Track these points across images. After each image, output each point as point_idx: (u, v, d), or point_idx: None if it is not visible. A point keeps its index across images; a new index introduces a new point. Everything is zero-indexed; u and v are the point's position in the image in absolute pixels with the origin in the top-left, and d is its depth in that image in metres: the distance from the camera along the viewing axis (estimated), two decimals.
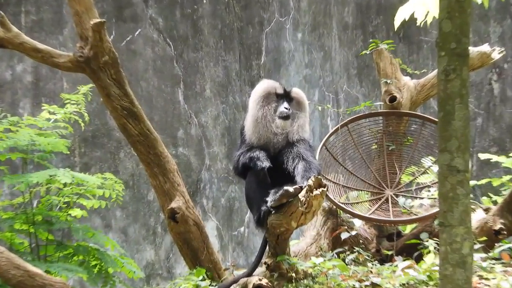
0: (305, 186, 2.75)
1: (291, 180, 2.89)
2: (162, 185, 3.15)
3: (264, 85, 3.08)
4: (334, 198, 3.70)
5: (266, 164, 2.87)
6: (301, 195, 2.76)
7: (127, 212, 4.52)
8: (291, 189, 2.76)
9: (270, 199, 2.84)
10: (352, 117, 4.07)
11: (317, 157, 3.68)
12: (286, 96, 3.03)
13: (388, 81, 4.13)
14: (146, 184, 4.55)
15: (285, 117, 2.97)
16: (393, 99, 4.11)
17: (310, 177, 2.77)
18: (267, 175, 2.86)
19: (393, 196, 3.86)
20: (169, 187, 3.15)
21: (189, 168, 4.86)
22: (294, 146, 2.97)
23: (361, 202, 3.86)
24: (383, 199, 3.85)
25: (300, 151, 2.95)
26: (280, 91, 3.05)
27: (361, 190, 3.93)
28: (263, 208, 2.90)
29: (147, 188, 4.57)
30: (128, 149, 4.47)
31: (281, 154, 2.98)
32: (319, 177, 2.74)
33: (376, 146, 4.08)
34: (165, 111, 4.81)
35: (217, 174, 5.10)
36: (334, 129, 4.03)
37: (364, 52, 4.31)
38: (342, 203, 3.71)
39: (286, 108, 2.98)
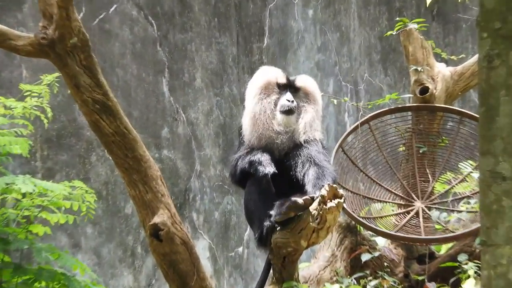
0: (317, 197, 2.76)
1: (300, 189, 2.90)
2: (143, 196, 3.15)
3: (263, 73, 3.08)
4: (353, 212, 3.71)
5: (269, 169, 2.87)
6: (313, 208, 2.77)
7: (100, 228, 4.52)
8: (300, 200, 2.77)
9: (274, 213, 2.85)
10: (375, 113, 4.08)
11: (332, 161, 3.69)
12: (289, 86, 3.03)
13: (419, 69, 4.14)
14: (123, 194, 4.55)
15: (288, 112, 2.98)
16: (424, 90, 4.12)
17: (323, 185, 2.78)
18: (271, 183, 2.87)
19: (425, 209, 3.86)
20: (151, 198, 3.15)
21: (175, 174, 4.87)
22: (303, 147, 2.98)
23: (385, 216, 3.86)
24: (412, 213, 3.86)
25: (311, 154, 2.96)
26: (282, 80, 3.05)
27: (386, 202, 3.94)
28: (266, 223, 2.91)
29: (124, 199, 4.57)
30: (101, 152, 4.48)
31: (288, 157, 2.99)
32: (334, 185, 2.75)
33: (404, 148, 4.09)
34: (147, 105, 4.81)
35: (210, 182, 5.11)
36: (352, 127, 4.04)
37: (389, 33, 4.32)
38: (362, 218, 3.72)
39: (289, 100, 2.98)
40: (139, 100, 4.79)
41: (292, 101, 2.99)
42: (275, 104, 3.01)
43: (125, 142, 3.09)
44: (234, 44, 5.45)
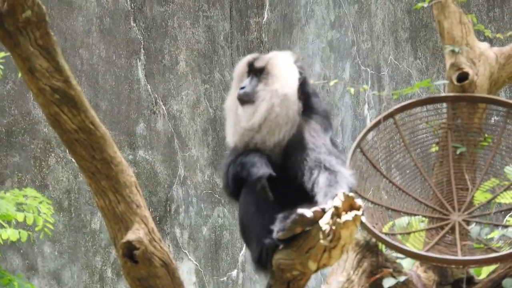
0: (329, 209, 2.77)
1: (308, 199, 2.91)
2: (114, 207, 3.16)
3: (240, 62, 3.15)
4: (374, 227, 3.72)
5: (264, 171, 2.90)
6: (324, 222, 2.78)
7: (61, 247, 4.54)
8: (308, 212, 2.78)
9: (277, 228, 2.87)
10: (402, 105, 4.09)
11: (347, 164, 3.70)
12: (250, 70, 3.09)
13: (456, 50, 4.14)
14: (89, 205, 4.57)
15: (240, 101, 3.04)
16: (463, 76, 4.13)
17: (337, 194, 2.79)
18: (267, 189, 2.89)
19: (463, 223, 3.87)
20: (124, 210, 3.16)
21: (154, 181, 4.89)
22: (308, 147, 3.00)
23: (414, 232, 3.88)
24: (447, 228, 3.86)
25: (321, 156, 2.98)
26: (246, 68, 3.11)
27: (415, 215, 3.95)
28: (267, 241, 2.92)
29: (90, 211, 4.58)
30: (62, 153, 4.49)
31: (291, 160, 3.01)
32: (350, 194, 2.77)
33: (437, 148, 4.10)
34: (118, 95, 4.83)
35: (197, 191, 5.13)
36: (373, 122, 4.05)
37: (420, 5, 4.33)
38: (385, 234, 3.73)
39: (242, 87, 3.05)
40: (108, 88, 4.80)
41: (243, 87, 3.05)
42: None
43: (91, 140, 3.10)
44: (227, 19, 5.46)
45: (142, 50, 5.03)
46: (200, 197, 5.16)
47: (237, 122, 3.05)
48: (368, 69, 6.10)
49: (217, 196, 5.21)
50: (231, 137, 3.08)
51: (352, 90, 4.97)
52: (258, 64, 3.07)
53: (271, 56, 3.11)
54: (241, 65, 3.13)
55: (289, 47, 5.69)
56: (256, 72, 3.07)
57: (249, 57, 3.12)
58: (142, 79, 5.04)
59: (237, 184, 3.02)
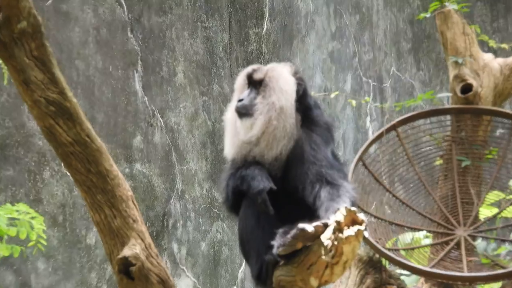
0: (331, 223, 2.77)
1: (309, 214, 2.91)
2: (110, 222, 3.16)
3: (240, 74, 3.17)
4: (377, 242, 3.71)
5: (265, 184, 2.90)
6: (326, 237, 2.77)
7: (55, 263, 4.52)
8: (309, 227, 2.77)
9: (277, 244, 2.86)
10: (405, 117, 4.09)
11: (349, 177, 3.69)
12: (249, 82, 3.12)
13: (460, 61, 4.15)
14: (84, 219, 4.55)
15: (238, 114, 3.05)
16: (467, 88, 4.14)
17: (338, 209, 2.79)
18: (268, 203, 2.89)
19: (468, 238, 3.86)
20: (120, 225, 3.16)
21: (151, 195, 4.87)
22: (309, 161, 3.01)
23: (418, 247, 3.87)
24: (452, 244, 3.86)
25: (322, 170, 2.98)
26: (245, 80, 3.13)
27: (419, 230, 3.94)
28: (267, 257, 2.91)
29: (86, 226, 4.57)
30: (57, 166, 4.48)
31: (291, 173, 3.01)
32: (353, 209, 2.76)
33: (441, 161, 4.10)
34: (114, 107, 4.83)
35: (195, 205, 5.11)
36: (376, 134, 4.06)
37: (422, 15, 4.34)
38: (389, 250, 3.72)
39: (239, 100, 3.06)
40: (104, 100, 4.79)
41: (241, 100, 3.06)
42: None
43: (87, 153, 3.10)
44: (226, 30, 5.47)
45: (139, 61, 5.03)
46: (198, 212, 5.14)
47: (235, 135, 3.06)
48: (370, 81, 6.10)
49: (215, 210, 5.20)
50: (230, 150, 3.09)
51: (353, 102, 4.99)
52: (257, 76, 3.09)
53: (269, 68, 3.12)
54: (241, 77, 3.15)
55: (289, 58, 5.70)
56: (255, 84, 3.08)
57: (249, 69, 3.14)
58: (139, 91, 5.03)
59: (237, 198, 3.02)
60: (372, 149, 4.06)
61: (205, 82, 5.32)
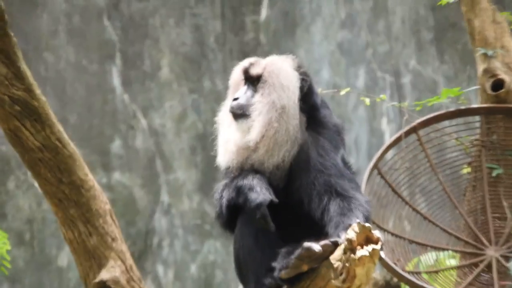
0: (341, 242, 2.77)
1: (316, 230, 2.91)
2: (85, 240, 3.16)
3: (235, 69, 3.18)
4: (395, 264, 3.71)
5: (264, 196, 2.90)
6: (335, 258, 2.77)
7: (22, 287, 4.51)
8: (316, 246, 2.77)
9: (279, 266, 2.86)
10: (426, 118, 4.09)
11: (363, 188, 3.69)
12: (246, 78, 3.12)
13: (490, 53, 4.15)
14: (55, 237, 4.55)
15: (235, 116, 3.05)
16: (498, 84, 4.13)
17: (350, 225, 2.79)
18: (268, 218, 2.89)
19: (501, 259, 3.86)
20: (97, 243, 3.16)
21: (132, 209, 4.87)
22: (316, 169, 3.01)
23: (443, 270, 3.86)
24: (482, 265, 3.85)
25: (331, 179, 2.98)
26: (241, 76, 3.14)
27: (444, 250, 3.94)
28: (267, 281, 2.91)
29: (56, 245, 4.56)
30: (24, 175, 4.48)
31: (295, 184, 3.01)
32: (367, 225, 2.76)
33: (469, 169, 4.10)
34: (89, 107, 4.83)
35: (183, 220, 5.10)
36: (393, 138, 4.06)
37: (445, 0, 4.35)
38: (409, 273, 3.72)
39: (235, 99, 3.07)
40: (78, 99, 4.79)
41: (236, 98, 3.07)
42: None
43: (58, 160, 3.10)
44: (218, 17, 5.47)
45: (118, 53, 5.04)
46: (187, 229, 5.14)
47: (230, 139, 3.06)
48: (386, 76, 6.10)
49: (207, 227, 5.19)
50: (223, 157, 3.08)
51: (367, 100, 4.98)
52: (254, 71, 3.08)
53: (269, 61, 3.11)
54: (236, 72, 3.14)
55: (291, 50, 5.69)
56: (253, 80, 3.08)
57: (245, 63, 3.13)
58: (118, 88, 5.04)
59: (232, 213, 3.01)
60: (389, 155, 4.06)
61: (195, 77, 5.33)
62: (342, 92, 4.61)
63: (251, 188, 2.92)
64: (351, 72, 5.98)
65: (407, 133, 4.04)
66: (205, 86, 5.35)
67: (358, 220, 2.77)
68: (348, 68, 5.97)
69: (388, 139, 4.54)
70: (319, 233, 2.87)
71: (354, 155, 5.84)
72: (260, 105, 3.03)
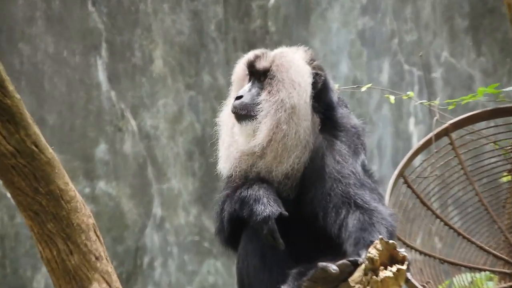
0: (362, 261, 2.77)
1: (332, 249, 2.91)
2: (64, 259, 3.17)
3: (239, 63, 3.18)
4: (424, 286, 3.71)
5: (272, 209, 2.92)
6: (355, 280, 2.78)
7: None
8: (332, 267, 2.78)
9: None
10: (460, 118, 4.10)
11: (387, 200, 3.69)
12: (251, 72, 3.13)
13: None
14: (30, 256, 4.56)
15: (238, 117, 3.07)
16: None
17: (372, 242, 2.79)
18: (277, 234, 2.90)
19: None
20: (79, 263, 3.17)
21: (120, 223, 4.87)
22: (331, 177, 3.01)
23: None
24: None
25: (349, 190, 2.99)
26: (246, 70, 3.15)
27: (480, 270, 3.94)
28: None
29: (32, 265, 4.57)
30: None
31: (308, 194, 3.01)
32: (391, 242, 2.77)
33: (509, 177, 4.09)
34: (70, 106, 4.83)
35: (178, 237, 5.10)
36: (422, 142, 4.06)
37: None
38: None
39: (239, 97, 3.08)
40: (57, 96, 4.80)
41: (240, 97, 3.09)
42: None
43: (34, 167, 3.10)
44: (219, 2, 5.48)
45: (103, 44, 5.05)
46: (183, 246, 5.14)
47: (233, 143, 3.07)
48: (414, 70, 6.10)
49: (206, 244, 5.19)
50: (225, 163, 3.09)
51: (392, 98, 4.98)
52: (261, 64, 3.10)
53: (277, 54, 3.13)
54: (240, 65, 3.16)
55: (305, 40, 5.70)
56: (259, 75, 3.10)
57: (250, 55, 3.15)
58: (103, 84, 5.05)
59: (235, 228, 3.02)
60: (416, 161, 4.06)
61: (192, 71, 5.34)
62: (363, 89, 4.61)
63: (257, 200, 2.93)
64: (374, 65, 5.98)
65: (438, 136, 4.04)
66: (204, 81, 5.36)
67: (381, 236, 2.78)
68: (370, 61, 5.97)
69: (416, 143, 4.54)
70: (335, 251, 2.88)
71: (377, 161, 5.83)
72: (267, 104, 3.05)
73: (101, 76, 5.01)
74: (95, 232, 3.18)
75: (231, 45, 5.50)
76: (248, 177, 3.04)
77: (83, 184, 4.77)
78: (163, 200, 5.08)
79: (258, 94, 3.07)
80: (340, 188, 2.99)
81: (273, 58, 3.11)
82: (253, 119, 3.05)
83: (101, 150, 4.91)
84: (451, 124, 4.07)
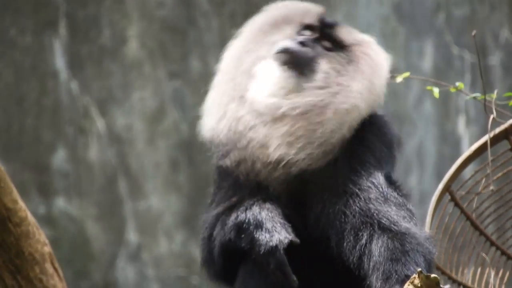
0: None
1: (352, 283, 2.96)
2: None
3: (280, 7, 3.24)
4: None
5: (280, 237, 2.96)
6: None
7: None
8: None
9: None
10: None
11: (428, 221, 3.74)
12: (315, 27, 3.22)
13: None
14: None
15: (290, 62, 3.13)
16: None
17: (407, 276, 2.85)
18: (288, 269, 2.94)
19: None
20: None
21: (84, 252, 4.89)
22: (347, 191, 3.06)
23: None
24: None
25: (371, 207, 3.03)
26: (310, 20, 3.20)
27: None
28: None
29: None
30: None
31: (314, 211, 3.06)
32: (432, 275, 2.82)
33: None
34: (19, 100, 4.87)
35: (159, 270, 5.13)
36: (474, 147, 4.10)
37: None
38: None
39: (301, 42, 3.16)
40: (2, 88, 4.83)
41: (303, 42, 3.15)
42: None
43: None
44: None
45: (62, 19, 5.09)
46: (165, 282, 5.17)
47: (239, 98, 3.08)
48: (465, 54, 6.11)
49: (195, 280, 5.23)
50: (211, 121, 3.11)
51: (436, 91, 5.03)
52: (340, 33, 3.19)
53: (363, 40, 3.22)
54: (291, 9, 3.20)
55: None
56: (328, 36, 3.18)
57: (311, 8, 3.22)
58: (62, 72, 5.10)
59: (230, 260, 3.06)
60: (467, 172, 4.11)
61: (177, 55, 5.38)
62: (399, 79, 4.65)
63: (259, 225, 2.96)
64: (413, 48, 6.03)
65: (496, 140, 4.07)
66: (192, 68, 5.40)
67: (419, 269, 2.83)
68: (408, 42, 6.02)
69: (466, 148, 4.58)
70: (355, 285, 2.93)
71: (416, 172, 5.83)
72: (334, 79, 3.11)
73: (59, 61, 5.05)
74: (52, 264, 3.23)
75: (228, 21, 5.55)
76: (230, 157, 3.07)
77: (36, 201, 4.81)
78: (139, 223, 5.11)
79: (322, 57, 3.15)
80: (358, 205, 3.03)
81: (355, 38, 3.21)
82: (306, 77, 3.11)
83: (59, 158, 4.94)
84: (511, 125, 4.11)
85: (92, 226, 5.01)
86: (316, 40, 3.18)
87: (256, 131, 3.08)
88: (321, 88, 3.11)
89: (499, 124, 4.12)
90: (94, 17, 5.18)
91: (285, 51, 3.12)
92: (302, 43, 3.13)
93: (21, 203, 3.30)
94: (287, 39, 3.14)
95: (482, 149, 4.07)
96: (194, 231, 5.23)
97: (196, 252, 5.27)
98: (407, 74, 4.58)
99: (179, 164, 5.29)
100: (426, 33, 6.14)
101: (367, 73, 3.15)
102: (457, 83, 4.55)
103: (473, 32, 6.23)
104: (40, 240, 3.31)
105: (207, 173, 5.34)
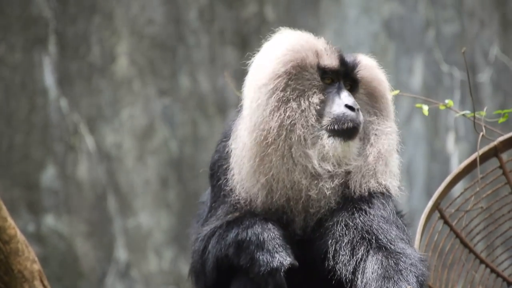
0: None
1: None
2: None
3: (290, 42, 3.23)
4: None
5: (281, 259, 2.97)
6: None
7: None
8: None
9: None
10: None
11: (417, 239, 3.75)
12: (345, 75, 3.21)
13: None
14: None
15: (349, 132, 3.18)
16: None
17: None
18: None
19: None
20: None
21: (73, 270, 4.87)
22: (354, 210, 3.07)
23: None
24: None
25: (372, 225, 3.04)
26: (331, 60, 3.21)
27: None
28: None
29: None
30: None
31: (319, 232, 3.06)
32: None
33: None
34: (8, 117, 4.86)
35: (148, 287, 5.10)
36: (464, 164, 4.09)
37: None
38: None
39: (351, 108, 3.19)
40: None
41: (357, 110, 3.16)
42: (319, 114, 3.17)
43: None
44: None
45: (51, 36, 5.09)
46: None
47: (298, 157, 3.11)
48: (455, 71, 6.11)
49: None
50: (244, 180, 3.14)
51: (425, 108, 5.04)
52: (360, 72, 3.24)
53: (369, 64, 3.26)
54: (304, 49, 3.23)
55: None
56: (353, 81, 3.23)
57: (322, 44, 3.25)
58: (51, 89, 5.09)
59: (224, 276, 3.06)
60: (456, 190, 4.10)
61: (166, 72, 5.38)
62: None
63: (260, 246, 2.96)
64: (403, 65, 6.02)
65: (485, 157, 4.07)
66: (182, 85, 5.40)
67: (409, 287, 2.83)
68: (398, 59, 6.01)
69: (456, 166, 4.58)
70: None
71: (406, 189, 5.82)
72: (382, 126, 3.17)
73: (48, 78, 5.04)
74: (41, 281, 3.22)
75: (217, 38, 5.55)
76: (257, 208, 3.09)
77: (25, 219, 4.80)
78: (129, 240, 5.10)
79: (362, 109, 3.21)
80: (361, 219, 3.05)
81: (370, 68, 3.25)
82: (357, 138, 3.17)
83: (49, 175, 4.93)
84: (501, 142, 4.10)
85: (81, 244, 4.99)
86: (347, 91, 3.22)
87: (323, 189, 3.15)
88: (364, 141, 3.23)
89: (488, 141, 4.13)
90: (84, 34, 5.17)
91: (346, 120, 3.19)
92: (350, 107, 3.17)
93: (11, 221, 3.29)
94: (338, 103, 3.19)
95: (471, 166, 4.07)
96: (183, 248, 5.23)
97: (186, 269, 5.26)
98: (396, 91, 4.59)
99: (169, 182, 5.29)
100: (415, 50, 6.15)
101: (387, 110, 3.24)
102: (447, 101, 4.57)
103: (463, 49, 6.25)
104: (30, 257, 3.30)
105: (196, 190, 5.34)
